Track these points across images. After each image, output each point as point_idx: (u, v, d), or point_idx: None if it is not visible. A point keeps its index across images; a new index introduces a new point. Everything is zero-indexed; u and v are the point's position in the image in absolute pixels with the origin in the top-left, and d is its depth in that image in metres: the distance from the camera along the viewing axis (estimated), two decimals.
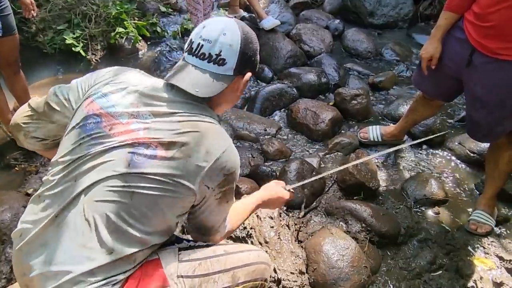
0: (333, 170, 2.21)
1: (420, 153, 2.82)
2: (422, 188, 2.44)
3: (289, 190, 1.66)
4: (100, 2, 3.74)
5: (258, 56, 1.29)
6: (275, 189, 1.62)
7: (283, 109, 3.21)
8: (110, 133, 1.11)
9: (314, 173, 2.41)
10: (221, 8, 4.40)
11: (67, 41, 3.47)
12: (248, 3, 3.94)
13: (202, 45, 1.17)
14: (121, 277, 1.05)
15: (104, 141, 1.10)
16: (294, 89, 3.28)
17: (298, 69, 3.47)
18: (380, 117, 3.15)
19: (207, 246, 1.28)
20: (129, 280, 1.06)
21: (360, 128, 2.90)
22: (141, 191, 1.06)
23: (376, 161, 2.72)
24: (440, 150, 2.83)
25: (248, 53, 1.21)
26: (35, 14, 2.63)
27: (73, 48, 3.47)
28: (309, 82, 3.32)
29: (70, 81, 1.31)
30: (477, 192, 2.50)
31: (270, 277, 1.74)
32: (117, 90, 1.18)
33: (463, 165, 2.72)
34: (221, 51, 1.16)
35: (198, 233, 1.30)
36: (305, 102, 3.04)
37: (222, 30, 1.17)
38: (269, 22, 3.75)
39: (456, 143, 2.81)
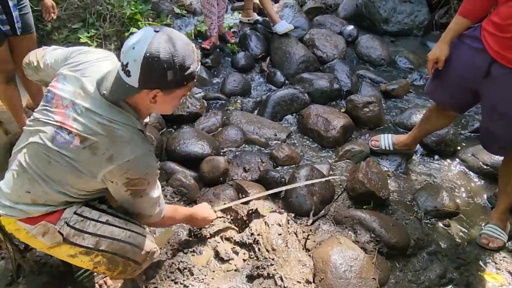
0: (259, 195, 2.22)
1: (432, 164, 2.77)
2: (433, 199, 2.40)
3: (215, 211, 1.90)
4: (115, 2, 3.76)
5: (179, 73, 1.25)
6: (204, 210, 1.88)
7: (294, 114, 3.19)
8: (53, 110, 1.35)
9: (242, 195, 2.31)
10: (235, 11, 4.41)
11: (82, 40, 3.50)
12: (262, 7, 3.93)
13: (121, 53, 1.26)
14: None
15: (48, 114, 1.35)
16: (306, 94, 3.26)
17: (310, 74, 3.45)
18: (392, 126, 3.11)
19: (111, 214, 1.52)
20: (41, 216, 1.40)
21: (372, 136, 2.87)
22: (55, 163, 1.33)
23: (387, 169, 2.68)
24: (452, 161, 2.79)
25: (152, 72, 1.22)
26: (54, 17, 2.64)
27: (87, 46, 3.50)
28: (321, 88, 3.30)
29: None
30: (490, 206, 2.46)
31: (276, 285, 1.73)
32: (72, 76, 1.38)
33: (475, 177, 2.67)
34: (128, 63, 1.22)
35: (136, 218, 1.55)
36: (316, 108, 3.01)
37: (133, 44, 1.22)
38: (282, 26, 3.74)
39: (469, 155, 2.77)
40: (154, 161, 1.42)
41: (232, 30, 4.04)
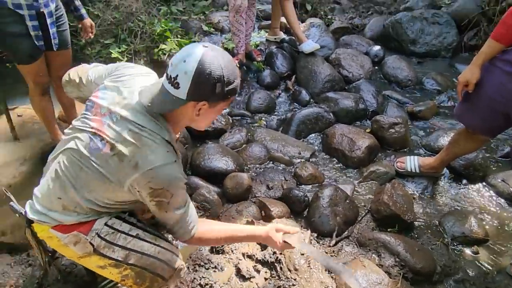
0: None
1: (460, 188, 2.70)
2: (461, 225, 2.33)
3: (284, 242, 1.61)
4: (147, 20, 3.88)
5: (226, 87, 1.29)
6: (272, 233, 1.61)
7: (318, 133, 3.18)
8: (91, 117, 1.39)
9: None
10: (262, 30, 4.47)
11: (113, 55, 3.60)
12: (288, 26, 3.97)
13: (169, 67, 1.29)
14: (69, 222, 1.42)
15: (85, 121, 1.40)
16: (330, 113, 3.25)
17: (335, 93, 3.44)
18: (418, 148, 3.06)
19: (141, 227, 1.53)
20: (73, 225, 1.42)
21: (397, 158, 2.82)
22: (86, 169, 1.36)
23: (413, 192, 2.63)
24: (481, 186, 2.71)
25: (203, 84, 1.25)
26: (92, 36, 2.73)
27: (117, 62, 3.60)
28: (347, 107, 3.29)
29: None
30: None
31: None
32: (113, 87, 1.43)
33: (505, 204, 2.58)
34: (177, 76, 1.26)
35: (168, 232, 1.53)
36: (341, 128, 3.00)
37: (183, 58, 1.25)
38: (308, 46, 3.77)
39: (499, 180, 2.68)
40: (178, 173, 1.39)
41: (258, 48, 4.10)
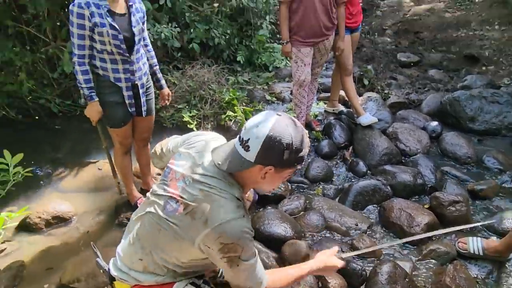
0: (388, 244, 2.05)
1: None
2: None
3: (342, 259, 1.72)
4: (216, 88, 4.19)
5: (293, 155, 1.34)
6: (328, 260, 1.72)
7: (375, 206, 3.15)
8: (168, 183, 1.49)
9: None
10: (321, 101, 4.63)
11: (184, 119, 3.90)
12: (347, 99, 4.10)
13: (243, 130, 1.37)
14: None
15: (163, 187, 1.49)
16: (388, 187, 3.23)
17: (393, 167, 3.43)
18: (481, 228, 2.92)
19: None
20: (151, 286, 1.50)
21: (459, 238, 2.71)
22: (163, 231, 1.43)
23: (476, 276, 2.49)
24: None
25: (271, 150, 1.31)
26: (168, 103, 3.00)
27: (188, 125, 3.88)
28: (404, 181, 3.25)
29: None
30: None
31: None
32: (186, 153, 1.52)
33: None
34: (249, 139, 1.32)
35: None
36: (399, 202, 2.96)
37: (257, 123, 1.33)
38: (366, 119, 3.85)
39: None
40: (247, 228, 1.39)
41: (317, 118, 4.23)
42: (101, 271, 1.63)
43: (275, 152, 1.31)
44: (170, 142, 1.77)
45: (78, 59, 2.26)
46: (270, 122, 1.32)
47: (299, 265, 1.69)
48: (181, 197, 1.40)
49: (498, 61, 5.34)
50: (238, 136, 1.39)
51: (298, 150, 1.34)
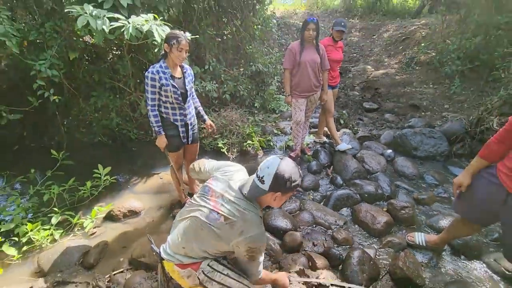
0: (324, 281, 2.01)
1: (459, 262, 2.39)
2: None
3: (289, 280, 1.79)
4: (241, 125, 4.20)
5: (292, 184, 1.39)
6: (284, 278, 1.79)
7: (349, 208, 3.07)
8: (209, 198, 1.51)
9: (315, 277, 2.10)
10: (311, 134, 4.60)
11: (218, 145, 3.89)
12: (329, 133, 4.07)
13: (258, 170, 1.43)
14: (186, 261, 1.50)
15: (205, 200, 1.51)
16: (357, 195, 3.15)
17: (361, 181, 3.35)
18: (423, 226, 2.81)
19: (230, 268, 1.52)
20: (188, 264, 1.49)
21: (408, 233, 2.61)
22: (205, 231, 1.44)
23: (421, 261, 2.37)
24: (477, 262, 2.38)
25: (279, 181, 1.37)
26: (210, 131, 2.96)
27: (221, 149, 3.88)
28: (369, 191, 3.17)
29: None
30: None
31: None
32: (222, 178, 1.54)
33: (499, 279, 2.23)
34: (263, 176, 1.40)
35: (245, 274, 1.55)
36: (366, 206, 2.88)
37: (268, 165, 1.40)
38: (343, 146, 3.79)
39: (492, 259, 2.35)
40: (265, 238, 1.47)
41: (308, 146, 4.19)
42: (154, 253, 1.61)
43: (281, 183, 1.38)
44: (207, 164, 1.77)
45: (151, 107, 2.30)
46: (276, 164, 1.38)
47: (275, 273, 1.84)
48: (222, 211, 1.44)
49: (433, 109, 5.27)
50: (255, 174, 1.43)
51: (295, 180, 1.40)
